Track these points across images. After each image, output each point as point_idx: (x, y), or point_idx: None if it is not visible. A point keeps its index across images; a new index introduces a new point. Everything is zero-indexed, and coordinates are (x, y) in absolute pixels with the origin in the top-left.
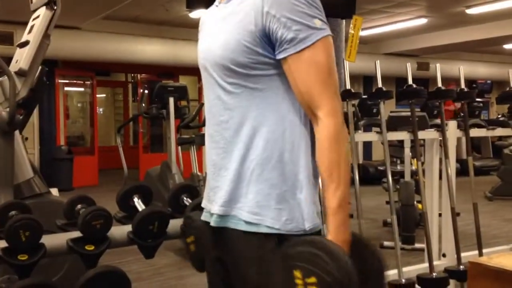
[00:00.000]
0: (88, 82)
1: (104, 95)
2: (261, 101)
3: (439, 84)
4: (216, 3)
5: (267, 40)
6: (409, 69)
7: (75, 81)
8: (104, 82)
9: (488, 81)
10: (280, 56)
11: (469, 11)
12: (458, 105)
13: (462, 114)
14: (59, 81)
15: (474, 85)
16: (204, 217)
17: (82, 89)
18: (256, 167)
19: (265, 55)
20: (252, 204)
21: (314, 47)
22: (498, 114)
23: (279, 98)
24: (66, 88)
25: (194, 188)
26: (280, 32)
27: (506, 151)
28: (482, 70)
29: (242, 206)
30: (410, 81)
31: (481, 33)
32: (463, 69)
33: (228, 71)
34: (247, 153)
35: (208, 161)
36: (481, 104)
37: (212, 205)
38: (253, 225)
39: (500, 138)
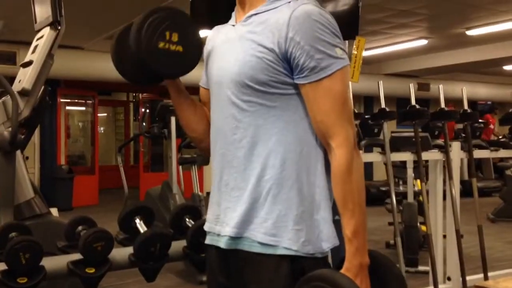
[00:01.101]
0: (90, 102)
1: (105, 114)
2: (277, 119)
3: (442, 105)
4: (231, 22)
5: (287, 63)
6: (412, 89)
7: (77, 101)
8: (105, 101)
9: (489, 102)
10: (299, 82)
11: (469, 32)
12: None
13: (463, 134)
14: (61, 100)
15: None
16: (210, 240)
17: (83, 108)
18: (272, 187)
19: (286, 74)
20: (269, 225)
21: (334, 76)
22: (499, 136)
23: (296, 117)
24: (68, 107)
25: (196, 208)
26: (303, 60)
27: (508, 172)
28: (482, 91)
29: (256, 228)
30: (413, 102)
31: (481, 55)
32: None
33: (245, 88)
34: (263, 173)
35: (217, 181)
36: (482, 125)
37: (223, 226)
38: (269, 247)
39: (502, 159)
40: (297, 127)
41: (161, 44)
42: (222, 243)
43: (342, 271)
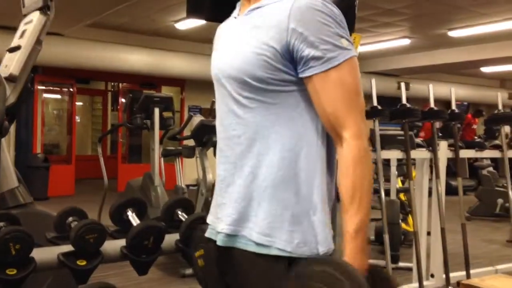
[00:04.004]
0: (68, 90)
1: (81, 103)
2: (278, 117)
3: (432, 105)
4: (234, 14)
5: (289, 57)
6: (403, 88)
7: (54, 88)
8: (83, 90)
9: (465, 103)
10: (304, 75)
11: (451, 33)
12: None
13: (440, 134)
14: (38, 87)
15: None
16: (209, 234)
17: (61, 96)
18: (269, 186)
19: (286, 72)
20: (263, 225)
21: (341, 67)
22: (475, 135)
23: (297, 115)
24: (45, 95)
25: (189, 202)
26: (307, 51)
27: (484, 172)
28: (459, 91)
29: (252, 226)
30: (404, 101)
31: (461, 56)
32: (442, 90)
33: (244, 85)
34: (260, 171)
35: (217, 176)
36: (459, 125)
37: (219, 222)
38: (263, 247)
39: (477, 159)
40: (297, 125)
41: None
42: (219, 240)
43: None
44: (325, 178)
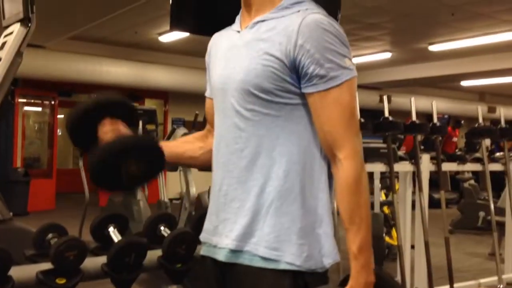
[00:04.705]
0: (50, 102)
1: (63, 116)
2: (281, 130)
3: (414, 118)
4: (235, 28)
5: (295, 71)
6: (385, 102)
7: (35, 101)
8: (65, 102)
9: (445, 116)
10: (307, 90)
11: (432, 47)
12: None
13: (422, 147)
14: (19, 100)
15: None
16: (206, 251)
17: (43, 109)
18: (275, 199)
19: (292, 83)
20: (271, 239)
21: (342, 86)
22: (456, 149)
23: (301, 128)
24: (26, 108)
25: (172, 217)
26: (312, 68)
27: (466, 185)
28: (440, 105)
29: (258, 241)
30: (386, 114)
31: (441, 70)
32: (422, 103)
33: (249, 97)
34: (265, 184)
35: (217, 190)
36: (441, 138)
37: (221, 238)
38: (271, 262)
39: (458, 172)
40: (301, 138)
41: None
42: (221, 256)
43: None
44: (328, 191)
